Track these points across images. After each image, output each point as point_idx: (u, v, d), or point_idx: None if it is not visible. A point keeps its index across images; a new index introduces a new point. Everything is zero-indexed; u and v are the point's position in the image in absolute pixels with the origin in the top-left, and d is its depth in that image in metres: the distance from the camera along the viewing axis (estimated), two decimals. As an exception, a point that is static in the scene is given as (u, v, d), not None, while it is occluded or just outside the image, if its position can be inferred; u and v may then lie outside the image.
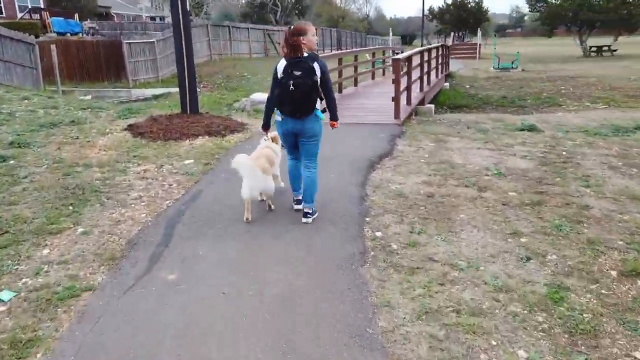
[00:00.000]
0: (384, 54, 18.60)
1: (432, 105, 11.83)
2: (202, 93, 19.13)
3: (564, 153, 6.52)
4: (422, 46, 53.94)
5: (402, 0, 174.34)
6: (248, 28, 28.13)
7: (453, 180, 5.55)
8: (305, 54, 4.14)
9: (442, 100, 14.77)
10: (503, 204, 4.85)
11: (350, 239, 4.15)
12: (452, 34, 38.61)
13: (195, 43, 23.33)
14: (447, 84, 17.02)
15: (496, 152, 6.66)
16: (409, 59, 9.43)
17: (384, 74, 17.57)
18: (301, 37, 4.11)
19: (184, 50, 8.26)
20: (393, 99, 8.44)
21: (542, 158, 6.30)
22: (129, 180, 5.81)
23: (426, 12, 49.97)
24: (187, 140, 7.57)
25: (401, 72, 8.41)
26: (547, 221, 4.43)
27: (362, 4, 60.66)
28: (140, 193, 5.40)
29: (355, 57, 13.99)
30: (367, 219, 4.60)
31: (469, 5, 43.79)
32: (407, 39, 79.22)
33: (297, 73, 4.06)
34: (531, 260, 3.75)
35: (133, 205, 5.06)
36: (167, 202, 5.15)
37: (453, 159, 6.41)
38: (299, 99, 4.12)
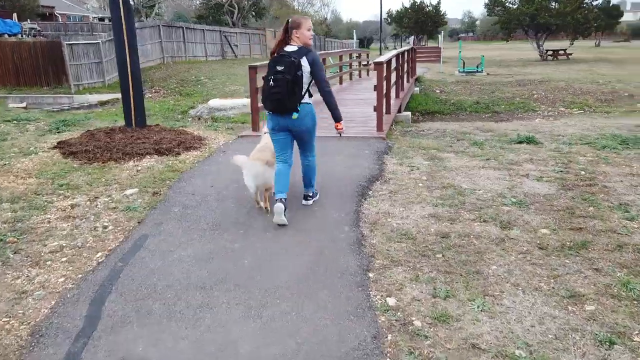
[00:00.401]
0: (350, 58, 17.55)
1: (409, 113, 10.81)
2: (154, 99, 17.53)
3: (582, 172, 5.55)
4: (379, 49, 53.57)
5: (358, 4, 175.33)
6: (203, 30, 26.50)
7: (466, 213, 4.45)
8: (295, 48, 4.03)
9: (414, 106, 13.82)
10: (540, 248, 3.76)
11: (354, 315, 2.94)
12: (413, 37, 38.19)
13: (146, 45, 21.59)
14: (417, 89, 16.13)
15: (504, 173, 5.62)
16: (388, 62, 8.32)
17: (350, 78, 16.48)
18: (294, 31, 4.03)
19: (127, 52, 6.84)
20: (375, 108, 7.31)
21: (561, 180, 5.30)
22: (50, 222, 4.39)
23: (384, 15, 49.64)
24: (132, 162, 6.16)
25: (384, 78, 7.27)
26: (606, 274, 3.37)
27: (320, 8, 59.75)
28: (63, 242, 4.01)
29: (323, 59, 12.79)
30: (371, 275, 3.42)
31: (427, 9, 43.56)
32: (364, 43, 79.10)
33: (279, 68, 3.93)
34: (615, 346, 2.66)
35: (49, 262, 3.67)
36: (98, 255, 3.79)
37: (457, 182, 5.32)
38: (279, 95, 3.96)
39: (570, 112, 13.24)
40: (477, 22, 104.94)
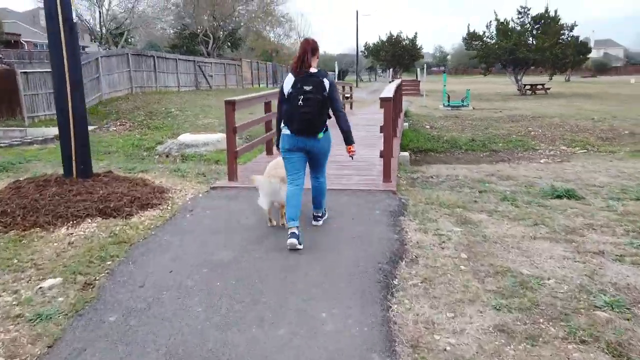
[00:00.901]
0: (343, 89, 16.29)
1: (407, 154, 9.50)
2: (119, 133, 15.85)
3: (670, 246, 4.19)
4: (356, 82, 53.13)
5: (333, 37, 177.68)
6: (176, 59, 25.05)
7: (548, 324, 2.97)
8: (315, 69, 4.03)
9: (405, 143, 12.54)
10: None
11: None
12: (390, 70, 37.59)
13: (113, 74, 19.96)
14: (406, 124, 14.91)
15: (568, 248, 4.21)
16: (395, 99, 6.99)
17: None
18: (317, 53, 4.07)
19: (68, 82, 5.26)
20: (381, 154, 5.89)
21: (649, 260, 3.91)
22: None
23: (361, 48, 49.33)
24: (64, 228, 4.53)
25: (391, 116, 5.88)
26: None
27: (296, 40, 59.18)
28: None
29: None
30: None
31: (404, 42, 43.33)
32: (340, 75, 79.07)
33: (307, 88, 3.91)
34: None
35: None
36: None
37: (511, 263, 3.87)
38: (309, 115, 3.93)
39: (574, 152, 12.17)
40: (449, 57, 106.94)
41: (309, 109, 3.89)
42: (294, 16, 64.12)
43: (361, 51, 49.17)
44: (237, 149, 6.10)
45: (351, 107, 17.78)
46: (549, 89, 31.38)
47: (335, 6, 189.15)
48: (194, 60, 27.03)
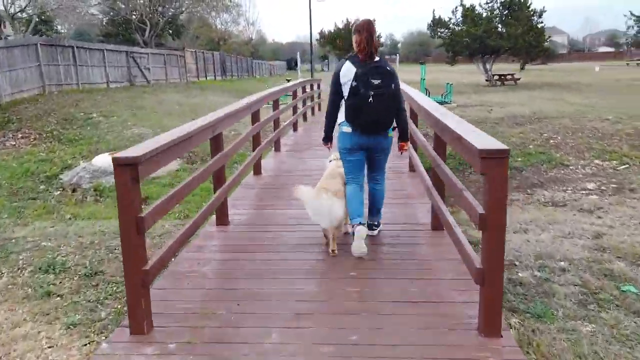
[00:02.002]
0: (304, 91, 12.87)
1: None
2: (18, 149, 11.80)
3: None
4: (311, 72, 49.50)
5: (282, 25, 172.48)
6: (103, 50, 20.68)
7: None
8: (377, 57, 3.54)
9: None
10: None
11: None
12: None
13: (16, 69, 15.55)
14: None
15: None
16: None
17: (305, 119, 11.74)
18: (374, 38, 3.53)
19: None
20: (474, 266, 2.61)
21: None
22: None
23: (316, 36, 45.79)
24: None
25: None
26: None
27: (245, 27, 54.87)
28: None
29: (275, 101, 7.94)
30: None
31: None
32: (292, 64, 75.19)
33: (377, 81, 3.42)
34: None
35: None
36: None
37: None
38: (380, 113, 3.49)
39: (614, 167, 9.44)
40: (399, 45, 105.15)
41: (380, 105, 3.44)
42: (242, 1, 59.49)
43: (316, 39, 45.67)
44: (148, 266, 2.64)
45: (320, 109, 14.43)
46: (518, 79, 29.22)
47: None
48: (127, 51, 22.69)
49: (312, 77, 48.86)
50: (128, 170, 2.47)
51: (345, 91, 3.50)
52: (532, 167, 9.61)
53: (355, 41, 3.48)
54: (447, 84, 18.38)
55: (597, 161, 9.91)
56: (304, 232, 4.26)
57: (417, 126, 6.09)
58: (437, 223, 4.10)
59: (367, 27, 3.47)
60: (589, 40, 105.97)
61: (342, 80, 3.52)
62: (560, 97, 20.34)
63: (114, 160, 2.50)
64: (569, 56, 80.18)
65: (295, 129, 10.02)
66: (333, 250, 3.73)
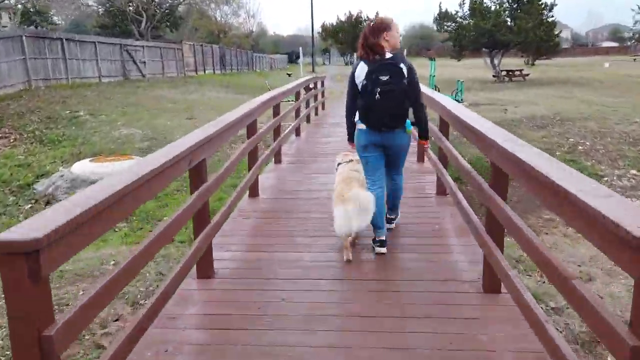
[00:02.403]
0: (307, 90, 11.78)
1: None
2: (-5, 151, 10.75)
3: None
4: (312, 66, 48.23)
5: (283, 17, 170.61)
6: (95, 42, 19.52)
7: None
8: (389, 54, 3.45)
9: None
10: None
11: None
12: (356, 55, 33.15)
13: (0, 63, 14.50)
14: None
15: None
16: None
17: (308, 120, 10.64)
18: (385, 33, 3.46)
19: None
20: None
21: None
22: None
23: (317, 29, 44.53)
24: None
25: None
26: None
27: (245, 19, 53.49)
28: None
29: (277, 104, 6.84)
30: None
31: (365, 23, 38.93)
32: (293, 57, 73.84)
33: (384, 78, 3.37)
34: None
35: None
36: None
37: None
38: (388, 110, 3.44)
39: (654, 179, 8.37)
40: (401, 38, 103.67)
41: (387, 102, 3.38)
42: (242, -6, 57.98)
43: (317, 32, 44.41)
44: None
45: (323, 108, 13.35)
46: (527, 75, 28.06)
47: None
48: (120, 44, 21.54)
49: (313, 70, 47.69)
50: (21, 262, 1.43)
51: (359, 90, 3.51)
52: (561, 178, 8.55)
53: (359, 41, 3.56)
54: (458, 81, 17.25)
55: (633, 171, 8.86)
56: (313, 293, 3.18)
57: (447, 137, 4.90)
58: (492, 283, 3.03)
59: (365, 31, 3.54)
60: (592, 35, 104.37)
61: (357, 80, 3.51)
62: (574, 95, 19.24)
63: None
64: (573, 51, 78.70)
65: (297, 134, 8.93)
66: (348, 260, 3.58)
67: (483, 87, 24.94)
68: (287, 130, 7.26)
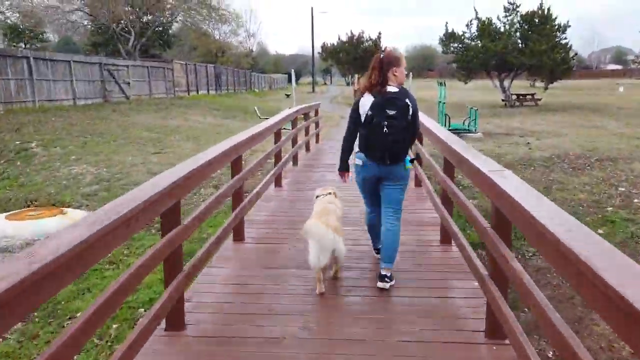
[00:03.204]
0: (306, 118, 9.66)
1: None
2: None
3: None
4: (312, 85, 46.46)
5: (284, 36, 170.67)
6: (70, 61, 17.59)
7: None
8: (395, 89, 3.41)
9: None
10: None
11: None
12: (357, 76, 31.02)
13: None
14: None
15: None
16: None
17: (294, 163, 8.47)
18: (393, 68, 3.40)
19: None
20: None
21: None
22: None
23: (318, 49, 42.87)
24: None
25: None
26: None
27: (245, 38, 51.99)
28: None
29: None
30: None
31: (366, 44, 37.21)
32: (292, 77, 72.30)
33: (392, 112, 3.34)
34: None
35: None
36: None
37: None
38: (393, 144, 3.40)
39: None
40: (396, 53, 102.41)
41: (393, 137, 3.36)
42: (242, 13, 56.61)
43: (318, 52, 42.73)
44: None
45: (317, 141, 11.28)
46: (539, 99, 26.13)
47: (289, 2, 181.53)
48: (100, 63, 19.63)
49: (313, 90, 45.91)
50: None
51: (362, 120, 3.44)
52: (624, 246, 6.40)
53: (368, 73, 3.44)
54: (471, 108, 15.20)
55: None
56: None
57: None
58: None
59: (375, 62, 3.43)
60: (594, 57, 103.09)
61: (360, 110, 3.45)
62: (596, 124, 17.23)
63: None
64: (578, 74, 77.14)
65: (278, 184, 6.81)
66: (320, 292, 3.46)
67: (493, 112, 22.98)
68: (254, 191, 5.12)
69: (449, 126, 14.46)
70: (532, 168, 9.65)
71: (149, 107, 19.19)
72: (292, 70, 14.37)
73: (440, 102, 15.19)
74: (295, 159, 8.19)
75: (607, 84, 47.74)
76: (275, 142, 6.49)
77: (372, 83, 3.38)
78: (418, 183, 6.61)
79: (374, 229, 3.86)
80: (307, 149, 9.74)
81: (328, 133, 14.75)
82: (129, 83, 21.35)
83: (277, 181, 6.71)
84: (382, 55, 3.43)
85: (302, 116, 9.44)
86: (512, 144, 12.71)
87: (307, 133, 9.56)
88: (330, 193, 4.01)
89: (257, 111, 14.54)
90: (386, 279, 3.52)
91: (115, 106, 18.47)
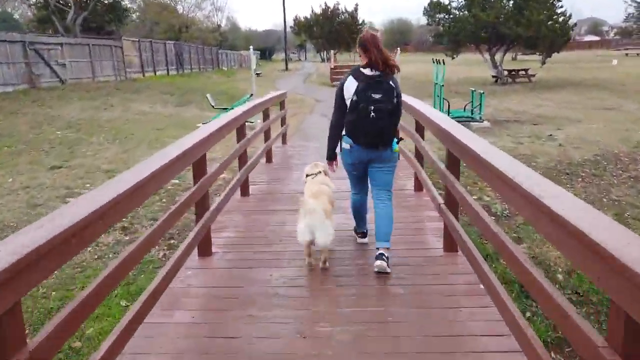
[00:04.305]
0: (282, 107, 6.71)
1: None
2: None
3: None
4: (285, 62, 42.92)
5: (258, 11, 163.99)
6: (-22, 39, 14.00)
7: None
8: (378, 71, 3.23)
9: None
10: None
11: None
12: (333, 52, 27.53)
13: None
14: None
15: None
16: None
17: (269, 159, 5.48)
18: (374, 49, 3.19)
19: None
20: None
21: None
22: None
23: (290, 23, 39.20)
24: None
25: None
26: None
27: (211, 12, 47.75)
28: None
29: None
30: None
31: (342, 16, 33.77)
32: (266, 54, 68.32)
33: (377, 96, 3.18)
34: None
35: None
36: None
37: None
38: (381, 128, 3.24)
39: None
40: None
41: (381, 121, 3.20)
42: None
43: (290, 27, 39.09)
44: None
45: (285, 141, 8.34)
46: (533, 75, 23.50)
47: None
48: (24, 42, 15.99)
49: (286, 69, 42.35)
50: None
51: (348, 106, 3.27)
52: None
53: (364, 56, 3.21)
54: (473, 90, 12.32)
55: None
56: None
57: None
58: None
59: (373, 42, 3.15)
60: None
61: (345, 94, 3.29)
62: (609, 105, 14.69)
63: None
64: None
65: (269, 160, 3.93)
66: (309, 263, 3.42)
67: (487, 91, 20.21)
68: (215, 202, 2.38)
69: (449, 114, 11.60)
70: (580, 179, 6.89)
71: (86, 94, 15.78)
72: (251, 48, 11.22)
73: (436, 84, 12.27)
74: (245, 188, 5.18)
75: (590, 56, 45.56)
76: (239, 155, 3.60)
77: (372, 68, 3.14)
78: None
79: (360, 212, 3.72)
80: (268, 159, 6.74)
81: (299, 125, 11.76)
82: (64, 64, 17.77)
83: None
84: (374, 37, 3.19)
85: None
86: (531, 136, 9.96)
87: (267, 137, 6.55)
88: (320, 172, 3.83)
89: (210, 100, 11.42)
90: (384, 257, 3.30)
91: (44, 93, 15.02)
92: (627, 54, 46.59)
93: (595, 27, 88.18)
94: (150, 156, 2.81)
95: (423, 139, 4.76)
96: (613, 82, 21.69)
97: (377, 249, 3.33)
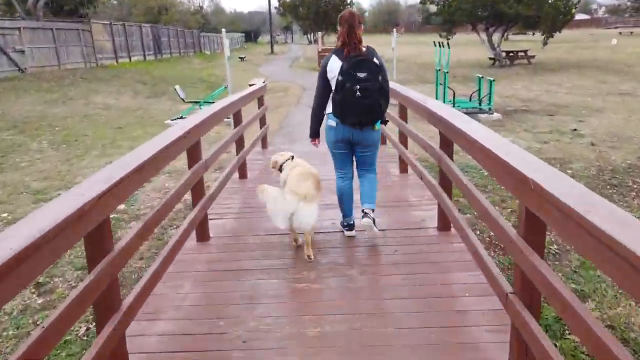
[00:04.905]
0: (237, 123, 5.18)
1: None
2: None
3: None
4: (271, 45, 40.85)
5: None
6: None
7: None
8: (363, 48, 3.19)
9: None
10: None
11: None
12: (321, 34, 25.76)
13: None
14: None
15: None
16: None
17: (243, 176, 4.05)
18: (361, 27, 3.20)
19: None
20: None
21: None
22: None
23: (275, 4, 37.11)
24: None
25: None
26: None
27: (193, -7, 45.27)
28: None
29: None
30: None
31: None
32: (251, 36, 65.90)
33: (362, 75, 3.11)
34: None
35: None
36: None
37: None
38: (368, 106, 3.17)
39: None
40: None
41: (367, 100, 3.14)
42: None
43: (275, 8, 37.03)
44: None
45: (265, 145, 6.83)
46: (533, 57, 22.04)
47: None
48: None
49: (272, 52, 40.33)
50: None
51: (333, 86, 3.22)
52: None
53: (338, 34, 3.22)
54: (480, 77, 10.81)
55: None
56: None
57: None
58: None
59: (347, 19, 3.13)
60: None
61: (329, 75, 3.24)
62: (622, 89, 13.35)
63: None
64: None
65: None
66: (308, 256, 3.31)
67: (485, 74, 18.70)
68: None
69: (454, 104, 10.11)
70: (634, 193, 5.47)
71: (45, 84, 13.99)
72: (224, 30, 9.57)
73: (439, 70, 10.74)
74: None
75: (582, 36, 44.07)
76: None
77: (347, 46, 3.12)
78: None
79: (345, 197, 3.59)
80: (241, 175, 5.21)
81: (283, 120, 10.17)
82: (23, 51, 15.88)
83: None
84: (352, 14, 3.18)
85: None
86: (552, 132, 8.52)
87: (239, 147, 5.03)
88: (292, 155, 3.77)
89: (180, 92, 9.81)
90: (369, 215, 3.36)
91: (3, 84, 13.22)
92: (620, 33, 45.25)
93: (584, 5, 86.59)
94: (96, 169, 1.40)
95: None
96: (617, 63, 20.33)
97: (363, 210, 3.40)
